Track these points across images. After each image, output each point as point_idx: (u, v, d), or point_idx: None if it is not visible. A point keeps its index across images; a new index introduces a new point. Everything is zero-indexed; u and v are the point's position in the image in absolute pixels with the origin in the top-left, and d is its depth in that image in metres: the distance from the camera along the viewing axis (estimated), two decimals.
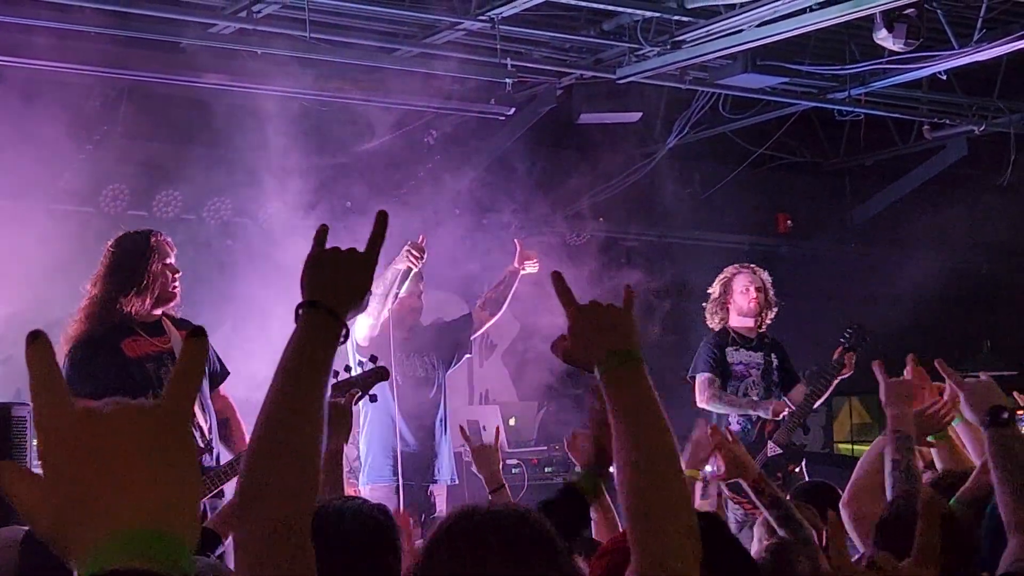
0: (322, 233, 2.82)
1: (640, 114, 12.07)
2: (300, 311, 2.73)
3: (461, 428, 5.82)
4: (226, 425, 6.93)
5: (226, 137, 11.93)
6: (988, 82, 12.86)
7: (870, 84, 12.00)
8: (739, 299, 9.51)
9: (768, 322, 9.57)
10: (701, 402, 9.33)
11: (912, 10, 9.71)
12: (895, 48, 9.95)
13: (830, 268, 15.47)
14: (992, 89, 12.93)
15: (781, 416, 9.16)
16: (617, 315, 2.98)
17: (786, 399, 9.38)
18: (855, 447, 15.67)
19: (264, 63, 10.75)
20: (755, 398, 9.42)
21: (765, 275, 9.63)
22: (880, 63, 11.31)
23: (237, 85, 10.99)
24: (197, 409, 6.55)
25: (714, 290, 9.63)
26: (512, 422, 12.55)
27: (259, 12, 9.99)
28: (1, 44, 9.82)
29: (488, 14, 10.31)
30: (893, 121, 13.96)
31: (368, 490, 8.45)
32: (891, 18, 9.63)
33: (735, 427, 9.20)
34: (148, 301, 6.68)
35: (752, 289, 9.48)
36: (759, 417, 9.30)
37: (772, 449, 9.24)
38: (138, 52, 10.41)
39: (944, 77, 11.85)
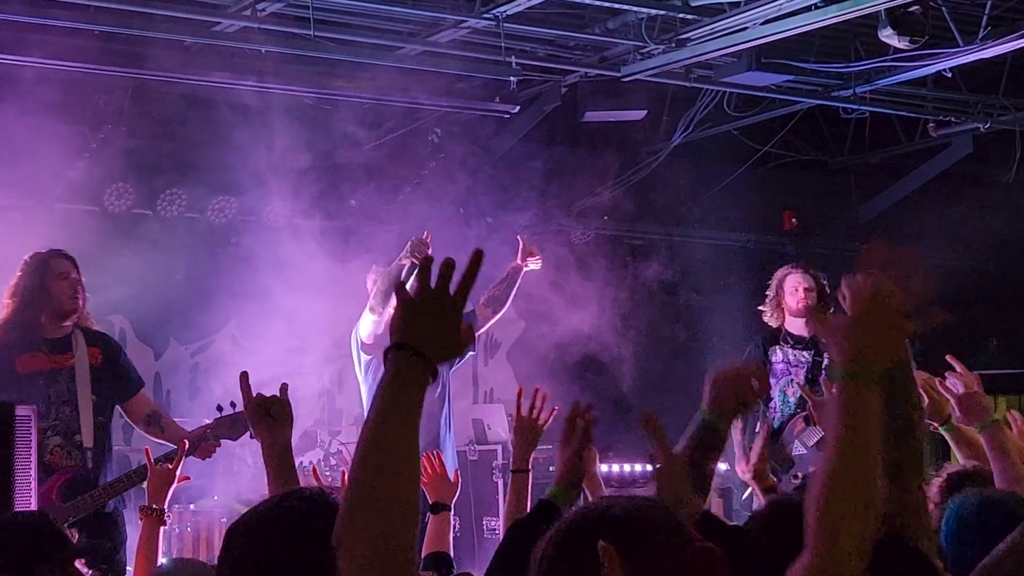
0: (426, 269, 2.77)
1: (645, 112, 12.05)
2: (388, 354, 2.72)
3: (520, 389, 5.58)
4: (156, 419, 7.41)
5: (230, 136, 11.93)
6: (993, 79, 12.83)
7: (875, 82, 11.99)
8: (789, 299, 9.42)
9: None
10: None
11: (917, 7, 9.69)
12: (900, 46, 9.94)
13: (836, 266, 15.39)
14: (997, 86, 12.91)
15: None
16: (901, 328, 3.08)
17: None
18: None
19: (268, 61, 10.75)
20: (792, 399, 9.33)
21: (821, 276, 9.50)
22: (885, 61, 11.30)
23: (241, 83, 10.99)
24: (86, 428, 6.94)
25: (770, 291, 9.55)
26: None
27: (263, 10, 9.99)
28: (5, 42, 9.83)
29: (493, 12, 10.30)
30: (898, 119, 13.93)
31: None
32: (896, 16, 9.61)
33: (775, 421, 9.23)
34: (45, 317, 7.07)
35: (801, 289, 9.38)
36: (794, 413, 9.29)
37: (798, 447, 9.22)
38: (142, 50, 10.40)
39: (949, 75, 11.82)
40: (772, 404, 9.34)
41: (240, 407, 6.47)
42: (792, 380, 9.36)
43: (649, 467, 4.28)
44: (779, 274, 9.54)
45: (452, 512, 6.13)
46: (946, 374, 5.56)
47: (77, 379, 7.08)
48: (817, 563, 2.72)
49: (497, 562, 3.68)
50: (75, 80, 10.73)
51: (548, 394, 5.29)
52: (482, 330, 9.25)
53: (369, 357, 8.67)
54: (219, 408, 6.96)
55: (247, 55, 10.75)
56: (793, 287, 9.40)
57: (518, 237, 9.46)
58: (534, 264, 9.04)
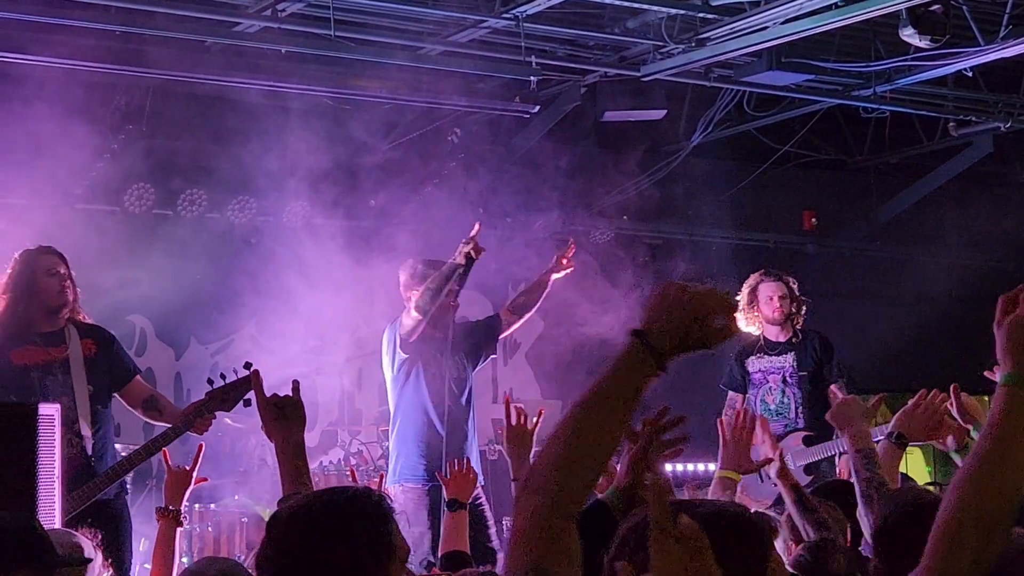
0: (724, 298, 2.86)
1: (664, 112, 12.04)
2: (630, 336, 2.79)
3: (507, 401, 5.64)
4: (154, 402, 7.54)
5: (251, 136, 11.95)
6: (1014, 79, 12.80)
7: (896, 81, 11.95)
8: (764, 309, 9.53)
9: (799, 325, 9.54)
10: None
11: (938, 7, 9.67)
12: (921, 45, 9.92)
13: (856, 266, 15.42)
14: (1018, 86, 12.88)
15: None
16: None
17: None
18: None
19: (288, 61, 10.77)
20: (772, 405, 9.48)
21: (790, 280, 9.61)
22: (906, 60, 11.27)
23: (262, 84, 11.01)
24: (84, 418, 7.12)
25: (742, 298, 9.57)
26: (537, 424, 12.51)
27: (283, 11, 10.00)
28: (26, 43, 9.85)
29: (512, 12, 10.30)
30: (918, 118, 13.89)
31: (399, 489, 8.38)
32: (917, 15, 9.59)
33: (778, 430, 9.24)
34: (35, 313, 7.26)
35: (776, 298, 9.50)
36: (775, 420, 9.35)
37: (789, 461, 9.25)
38: (163, 51, 10.43)
39: (970, 74, 11.81)
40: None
41: (230, 379, 6.96)
42: (771, 387, 9.55)
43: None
44: (751, 281, 9.64)
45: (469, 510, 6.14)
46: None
47: (72, 370, 7.23)
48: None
49: None
50: (96, 81, 10.76)
51: (523, 406, 5.36)
52: (505, 334, 9.22)
53: (405, 356, 8.61)
54: (210, 381, 7.10)
55: (267, 55, 10.77)
56: (768, 296, 9.53)
57: (569, 241, 9.38)
58: (565, 271, 8.96)
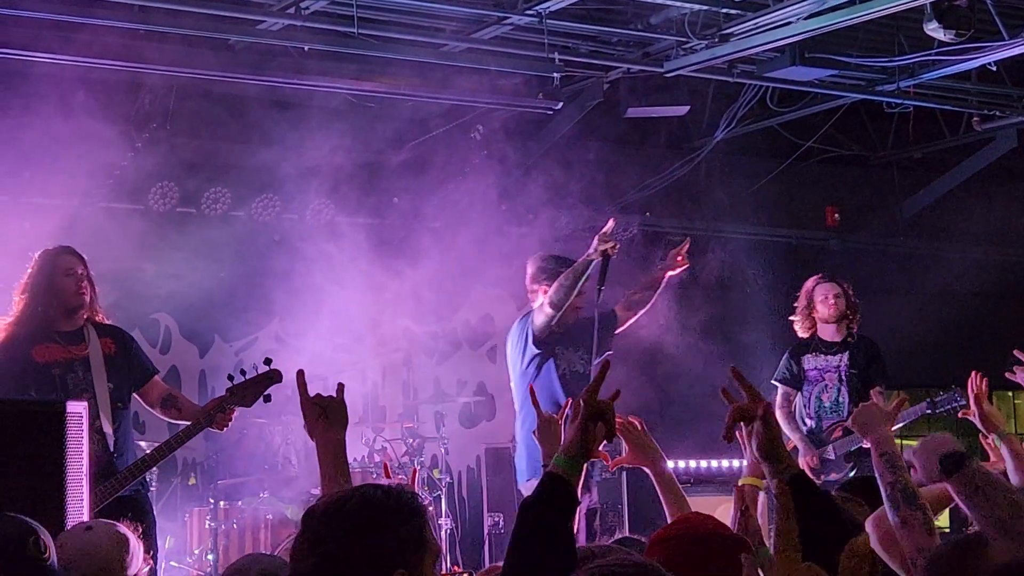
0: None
1: (688, 108, 12.03)
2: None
3: (531, 391, 5.70)
4: (172, 400, 7.60)
5: (274, 134, 11.98)
6: None
7: (919, 76, 11.91)
8: (820, 308, 9.81)
9: (854, 328, 9.78)
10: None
11: (962, 1, 9.64)
12: (946, 39, 9.89)
13: (879, 262, 15.37)
14: None
15: (813, 465, 9.42)
16: None
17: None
18: (903, 442, 15.59)
19: (312, 59, 10.78)
20: (827, 403, 9.74)
21: (845, 283, 9.91)
22: (929, 55, 11.24)
23: (285, 82, 11.03)
24: (104, 416, 7.19)
25: (799, 302, 9.91)
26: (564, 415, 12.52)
27: (307, 8, 10.01)
28: (49, 41, 9.88)
29: (535, 8, 10.30)
30: (942, 113, 13.86)
31: (530, 484, 8.31)
32: (942, 9, 9.56)
33: (813, 423, 9.74)
34: (55, 312, 7.35)
35: (831, 296, 9.78)
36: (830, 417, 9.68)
37: (830, 452, 9.56)
38: (187, 50, 10.45)
39: (994, 68, 11.76)
40: (809, 409, 9.76)
41: (250, 375, 7.11)
42: (827, 385, 9.78)
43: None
44: (808, 285, 9.91)
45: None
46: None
47: (92, 368, 7.31)
48: None
49: (513, 546, 3.66)
50: (120, 79, 10.79)
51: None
52: (621, 330, 9.09)
53: (538, 351, 8.60)
54: (230, 377, 7.24)
55: (291, 53, 10.78)
56: (823, 296, 9.80)
57: (684, 239, 9.21)
58: (678, 270, 8.93)
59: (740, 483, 5.20)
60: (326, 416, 4.31)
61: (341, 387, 4.41)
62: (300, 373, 4.45)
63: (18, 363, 7.22)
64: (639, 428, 5.36)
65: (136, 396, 7.58)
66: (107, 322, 7.64)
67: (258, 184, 12.13)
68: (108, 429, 7.25)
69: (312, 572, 3.26)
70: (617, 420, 5.27)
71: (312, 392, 4.42)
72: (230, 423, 7.32)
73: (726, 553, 3.53)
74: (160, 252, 11.45)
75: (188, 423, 7.24)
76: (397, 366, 13.13)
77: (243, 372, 7.22)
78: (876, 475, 4.72)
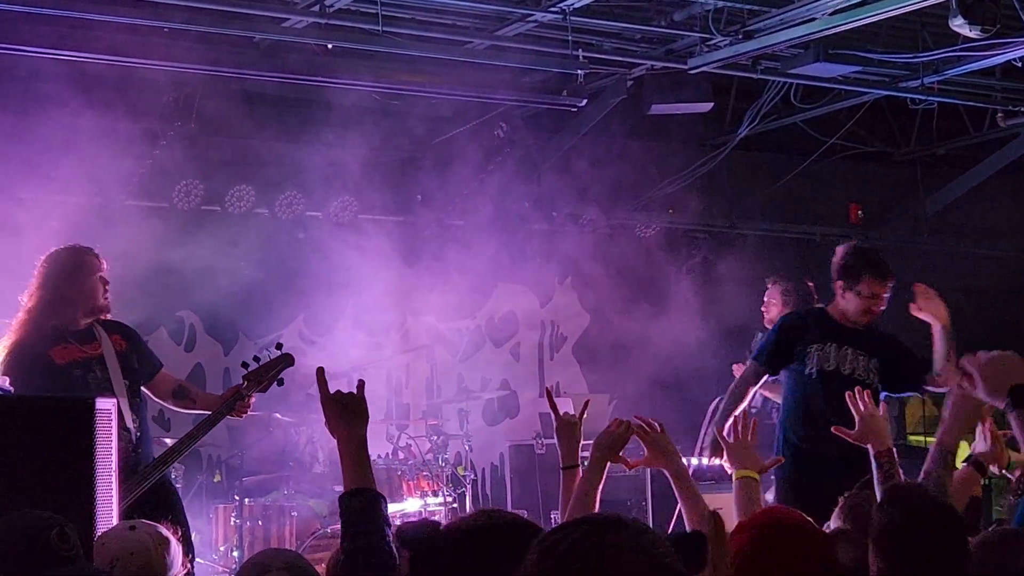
0: None
1: (711, 104, 12.02)
2: None
3: (548, 393, 5.79)
4: (185, 391, 7.62)
5: (298, 131, 12.01)
6: None
7: (944, 72, 11.88)
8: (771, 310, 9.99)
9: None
10: None
11: None
12: (971, 35, 9.85)
13: (903, 258, 15.29)
14: None
15: None
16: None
17: None
18: (927, 438, 15.55)
19: (337, 57, 10.80)
20: None
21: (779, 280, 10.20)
22: (954, 51, 11.20)
23: (309, 79, 11.05)
24: (125, 411, 7.11)
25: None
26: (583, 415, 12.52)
27: (331, 6, 10.02)
28: (77, 41, 9.92)
29: (559, 6, 10.30)
30: (966, 109, 13.83)
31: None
32: (967, 4, 9.53)
33: None
34: (78, 313, 7.28)
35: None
36: None
37: None
38: (212, 47, 10.48)
39: (1019, 64, 11.71)
40: None
41: (263, 360, 7.21)
42: None
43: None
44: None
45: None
46: None
47: (108, 366, 7.29)
48: None
49: None
50: (144, 78, 10.81)
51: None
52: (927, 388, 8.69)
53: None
54: (244, 365, 7.30)
55: (315, 51, 10.80)
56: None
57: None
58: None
59: (735, 477, 5.35)
60: (347, 412, 4.29)
61: (361, 383, 4.40)
62: (320, 371, 4.45)
63: (41, 367, 7.17)
64: (658, 430, 5.40)
65: (145, 390, 7.54)
66: (110, 318, 7.57)
67: (282, 182, 12.16)
68: (131, 424, 7.24)
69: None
70: (637, 420, 5.40)
71: (334, 389, 4.42)
72: (248, 410, 7.34)
73: (808, 543, 3.52)
74: (184, 250, 11.47)
75: (206, 412, 7.28)
76: (421, 363, 13.15)
77: (256, 359, 7.29)
78: (872, 470, 4.86)
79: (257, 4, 9.98)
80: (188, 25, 9.96)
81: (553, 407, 5.61)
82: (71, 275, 7.31)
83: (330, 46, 10.63)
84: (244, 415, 7.39)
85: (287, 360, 7.36)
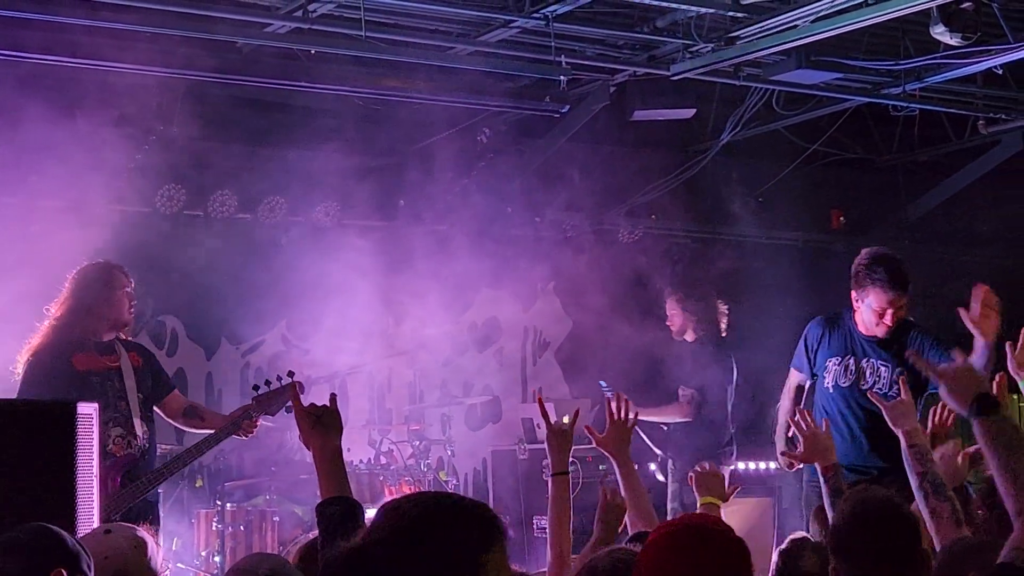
0: None
1: (694, 111, 12.04)
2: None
3: (539, 401, 5.86)
4: (194, 411, 8.08)
5: (281, 136, 12.01)
6: None
7: (925, 79, 11.92)
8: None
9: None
10: None
11: (969, 4, 9.65)
12: (952, 42, 9.89)
13: None
14: None
15: None
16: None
17: None
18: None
19: (319, 62, 10.80)
20: None
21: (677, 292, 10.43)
22: (935, 58, 11.24)
23: (292, 84, 11.05)
24: (136, 420, 7.56)
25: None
26: (565, 419, 12.53)
27: (314, 11, 10.02)
28: (58, 45, 9.90)
29: (542, 12, 10.31)
30: (947, 116, 13.87)
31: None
32: (948, 12, 9.57)
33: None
34: (103, 325, 7.68)
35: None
36: None
37: None
38: (194, 52, 10.47)
39: (1000, 71, 11.76)
40: None
41: (275, 386, 7.50)
42: None
43: None
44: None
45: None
46: None
47: (125, 377, 7.64)
48: None
49: None
50: (127, 82, 10.79)
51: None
52: None
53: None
54: (255, 388, 7.67)
55: (298, 56, 10.80)
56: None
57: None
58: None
59: (700, 504, 5.51)
60: (320, 425, 4.39)
61: (334, 396, 4.51)
62: (293, 386, 4.54)
63: (62, 371, 7.47)
64: (628, 423, 5.75)
65: (156, 409, 7.89)
66: (130, 339, 8.00)
67: (264, 187, 12.16)
68: (140, 432, 7.59)
69: (387, 551, 3.04)
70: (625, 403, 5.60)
71: (318, 398, 4.50)
72: (255, 431, 7.74)
73: (727, 548, 3.54)
74: (167, 254, 11.46)
75: (213, 431, 7.69)
76: (404, 368, 13.16)
77: (268, 383, 7.58)
78: (906, 467, 4.92)
79: (240, 9, 9.97)
80: (170, 30, 9.94)
81: (544, 415, 5.70)
82: (98, 288, 7.70)
83: (313, 51, 10.63)
84: (250, 435, 7.80)
85: (297, 388, 7.60)
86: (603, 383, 10.79)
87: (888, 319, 7.93)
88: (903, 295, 7.92)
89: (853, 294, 8.02)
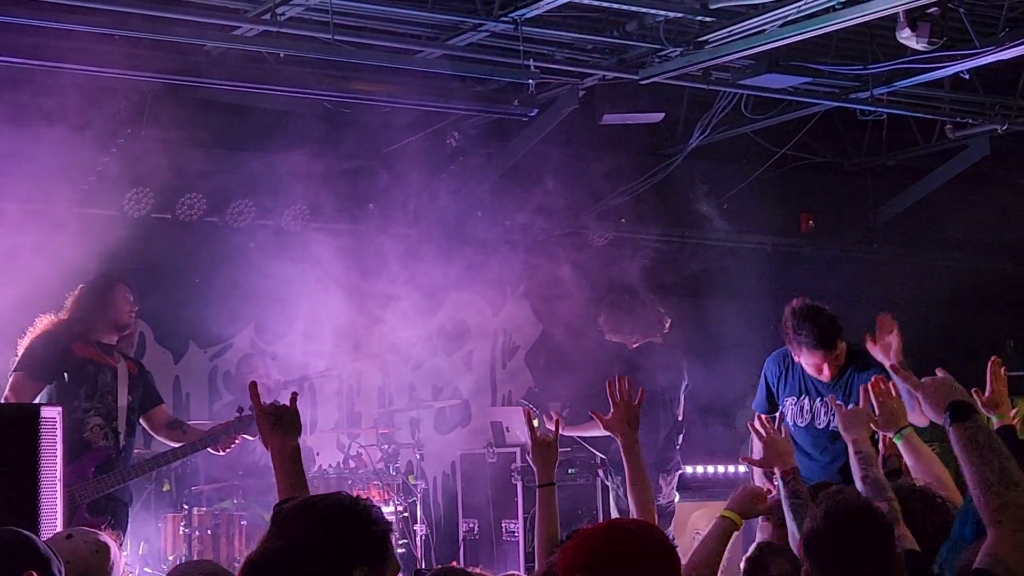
0: None
1: (663, 115, 12.06)
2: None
3: (526, 412, 5.99)
4: (178, 424, 8.62)
5: (249, 139, 11.98)
6: (1011, 81, 12.84)
7: (893, 84, 11.96)
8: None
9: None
10: None
11: (935, 9, 9.68)
12: (918, 47, 9.92)
13: (853, 268, 15.43)
14: (1015, 88, 12.91)
15: None
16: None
17: None
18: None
19: (287, 65, 10.78)
20: None
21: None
22: (903, 63, 11.27)
23: (261, 88, 11.03)
24: (120, 419, 8.01)
25: None
26: (535, 423, 12.55)
27: (283, 15, 9.99)
28: (26, 47, 9.85)
29: (511, 15, 10.29)
30: (915, 121, 13.92)
31: None
32: (915, 17, 9.60)
33: None
34: (105, 326, 8.24)
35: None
36: None
37: None
38: (163, 55, 10.44)
39: (967, 76, 11.80)
40: None
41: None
42: None
43: None
44: None
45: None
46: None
47: (119, 378, 8.08)
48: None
49: None
50: (95, 84, 10.76)
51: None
52: None
53: None
54: (239, 410, 8.07)
55: (267, 59, 10.78)
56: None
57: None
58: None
59: (720, 514, 5.51)
60: (280, 425, 4.41)
61: (294, 396, 4.52)
62: (253, 385, 4.56)
63: (58, 352, 7.99)
64: (633, 402, 5.86)
65: (142, 421, 8.34)
66: (131, 355, 8.52)
67: (233, 190, 12.12)
68: (122, 431, 8.02)
69: (279, 554, 3.38)
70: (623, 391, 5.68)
71: (285, 397, 4.52)
72: (232, 446, 8.23)
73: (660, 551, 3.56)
74: (133, 258, 11.42)
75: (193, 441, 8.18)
76: (372, 372, 13.15)
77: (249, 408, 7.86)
78: (852, 470, 5.07)
79: (208, 12, 9.94)
80: (138, 33, 9.90)
81: (531, 427, 5.87)
82: (100, 292, 8.32)
83: (282, 54, 10.60)
84: (227, 451, 8.29)
85: (244, 421, 8.15)
86: (523, 401, 11.06)
87: (826, 374, 8.01)
88: (832, 351, 7.95)
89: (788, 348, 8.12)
